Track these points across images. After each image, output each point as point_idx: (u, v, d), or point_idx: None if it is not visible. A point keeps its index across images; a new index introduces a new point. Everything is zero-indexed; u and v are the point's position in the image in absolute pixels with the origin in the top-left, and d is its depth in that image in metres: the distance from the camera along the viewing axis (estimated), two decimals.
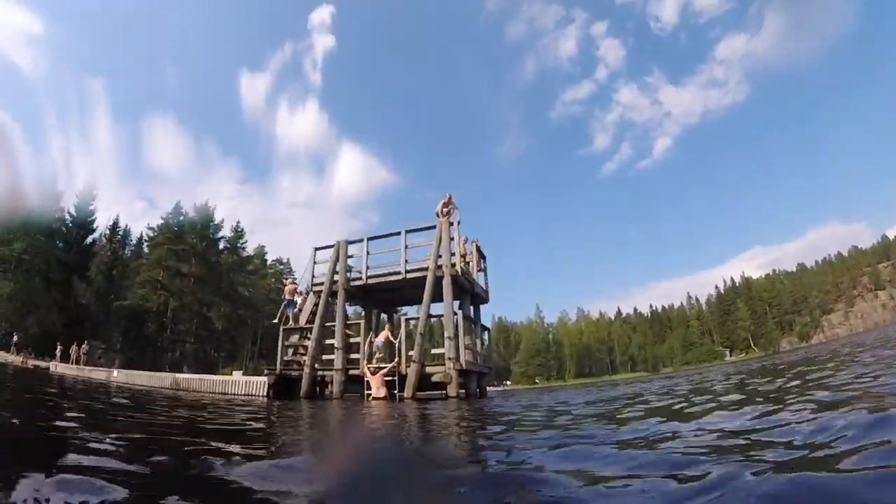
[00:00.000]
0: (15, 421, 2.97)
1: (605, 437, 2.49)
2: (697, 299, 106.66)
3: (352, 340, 11.30)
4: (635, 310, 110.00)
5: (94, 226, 46.48)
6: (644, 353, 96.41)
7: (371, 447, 2.92)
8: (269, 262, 65.70)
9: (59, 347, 26.94)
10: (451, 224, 11.07)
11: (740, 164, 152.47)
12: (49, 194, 42.15)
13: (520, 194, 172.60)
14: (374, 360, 10.23)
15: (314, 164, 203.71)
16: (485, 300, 12.90)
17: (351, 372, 10.74)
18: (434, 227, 11.13)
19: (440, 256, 10.68)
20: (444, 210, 11.61)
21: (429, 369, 9.93)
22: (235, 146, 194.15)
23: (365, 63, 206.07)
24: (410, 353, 9.99)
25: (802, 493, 1.08)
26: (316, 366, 11.14)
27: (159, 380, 13.68)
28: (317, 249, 12.67)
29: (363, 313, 14.61)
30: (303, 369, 11.07)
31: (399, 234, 11.46)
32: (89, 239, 46.03)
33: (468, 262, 11.73)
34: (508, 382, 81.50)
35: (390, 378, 9.62)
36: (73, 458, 1.78)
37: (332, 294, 11.83)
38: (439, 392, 9.88)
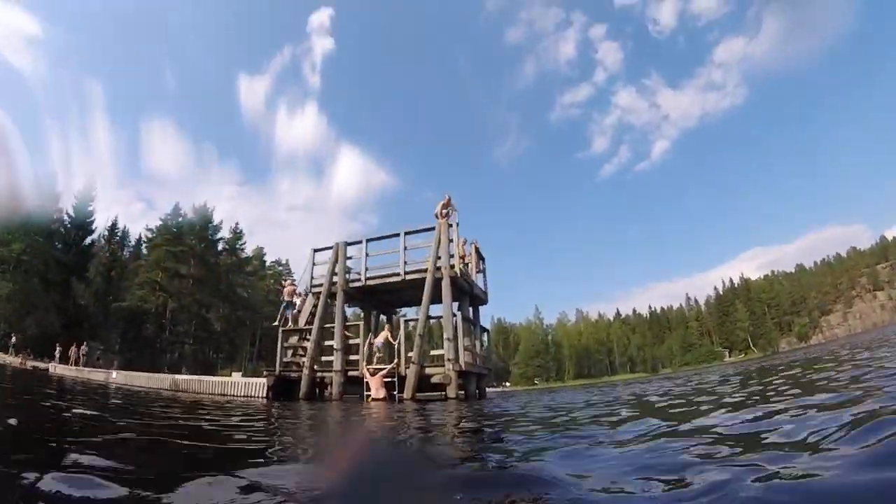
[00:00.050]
0: (12, 422, 2.96)
1: (604, 438, 2.49)
2: (696, 300, 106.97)
3: (351, 342, 11.30)
4: (634, 311, 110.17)
5: (93, 227, 46.40)
6: (643, 354, 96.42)
7: (371, 448, 2.93)
8: (268, 264, 65.68)
9: (58, 349, 26.89)
10: (451, 225, 11.07)
11: (739, 166, 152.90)
12: (48, 195, 42.07)
13: (519, 196, 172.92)
14: (374, 361, 10.23)
15: (313, 167, 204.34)
16: (484, 301, 12.90)
17: (350, 373, 10.73)
18: (433, 228, 11.13)
19: (439, 258, 10.68)
20: (444, 211, 11.61)
21: (428, 370, 9.93)
22: (234, 148, 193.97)
23: (364, 65, 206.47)
24: (410, 354, 9.99)
25: (802, 496, 1.09)
26: (315, 367, 11.14)
27: (158, 381, 13.66)
28: (316, 251, 12.67)
29: (362, 315, 14.61)
30: (302, 371, 11.07)
31: (398, 235, 11.47)
32: (88, 240, 45.94)
33: (467, 264, 11.74)
34: (508, 384, 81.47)
35: (390, 379, 9.62)
36: (73, 457, 1.78)
37: (332, 295, 11.83)
38: (439, 393, 9.88)
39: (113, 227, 52.61)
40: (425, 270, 10.71)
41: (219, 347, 53.20)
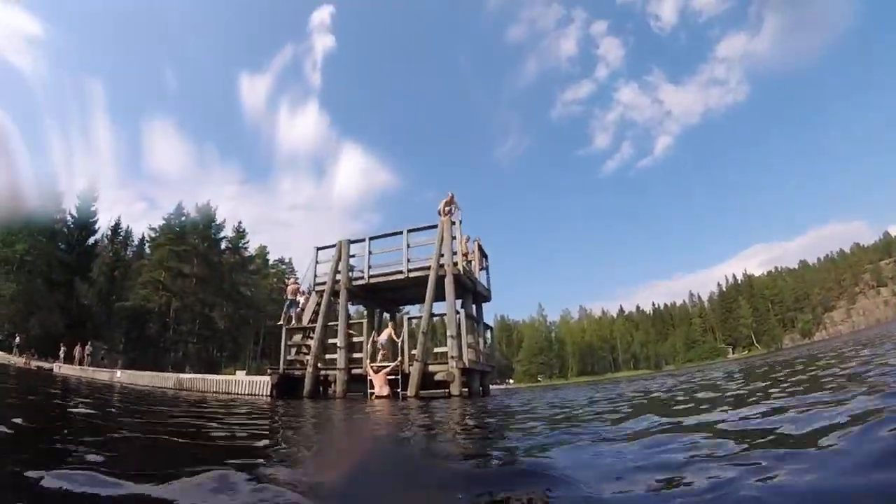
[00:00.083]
0: (17, 421, 2.98)
1: (607, 434, 2.49)
2: (700, 297, 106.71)
3: (354, 340, 11.32)
4: (638, 308, 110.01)
5: (96, 227, 46.69)
6: (646, 350, 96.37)
7: (374, 445, 2.93)
8: (270, 262, 65.84)
9: (62, 348, 27.05)
10: (453, 223, 11.06)
11: (742, 162, 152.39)
12: (49, 195, 42.21)
13: (520, 194, 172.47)
14: (378, 358, 10.25)
15: (315, 166, 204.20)
16: (487, 299, 12.90)
17: (354, 371, 10.75)
18: (436, 226, 11.12)
19: (442, 255, 10.67)
20: (446, 209, 11.60)
21: (432, 368, 9.93)
22: (236, 147, 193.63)
23: (365, 63, 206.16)
24: (413, 351, 10.00)
25: (803, 496, 1.08)
26: (319, 365, 11.16)
27: (162, 380, 13.72)
28: (319, 249, 12.69)
29: (365, 313, 14.62)
30: (306, 369, 11.09)
31: (401, 233, 11.46)
32: (91, 240, 46.18)
33: (470, 261, 11.73)
34: (511, 381, 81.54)
35: (393, 377, 9.64)
36: (77, 455, 1.79)
37: (335, 293, 11.84)
38: (442, 391, 9.88)
39: (116, 226, 52.91)
40: (428, 268, 10.72)
41: (222, 346, 53.40)
